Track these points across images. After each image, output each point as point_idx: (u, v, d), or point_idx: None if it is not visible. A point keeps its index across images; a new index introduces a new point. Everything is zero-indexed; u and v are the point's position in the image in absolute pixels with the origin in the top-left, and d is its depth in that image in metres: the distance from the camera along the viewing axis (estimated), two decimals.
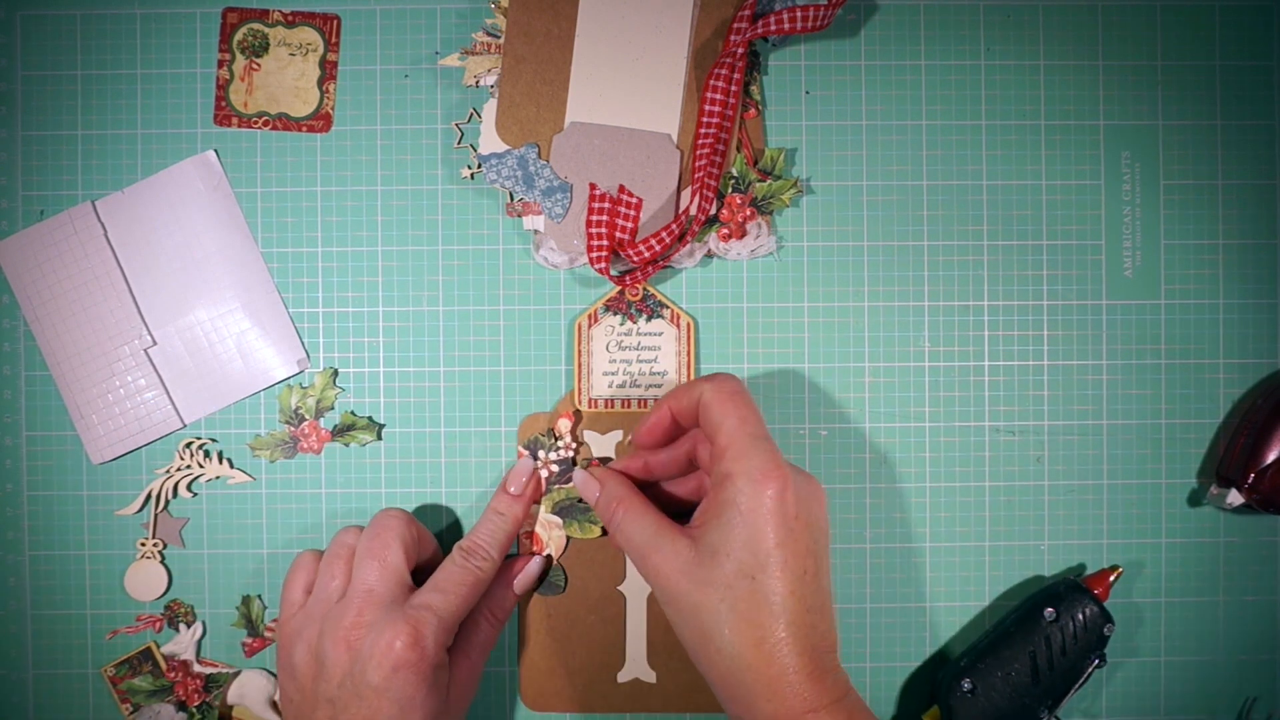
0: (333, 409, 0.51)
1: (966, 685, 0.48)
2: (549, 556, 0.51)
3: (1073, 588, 0.49)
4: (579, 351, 0.51)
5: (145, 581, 0.51)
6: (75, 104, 0.51)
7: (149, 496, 0.51)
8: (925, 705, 0.51)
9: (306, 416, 0.51)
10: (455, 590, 0.46)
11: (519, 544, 0.51)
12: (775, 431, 0.51)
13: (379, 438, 0.51)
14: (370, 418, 0.51)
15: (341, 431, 0.51)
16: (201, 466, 0.51)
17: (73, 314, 0.51)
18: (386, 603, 0.45)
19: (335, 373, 0.51)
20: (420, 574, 0.48)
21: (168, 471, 0.51)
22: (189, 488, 0.51)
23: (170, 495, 0.51)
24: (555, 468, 0.51)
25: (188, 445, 0.51)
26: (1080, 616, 0.48)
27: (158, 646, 0.51)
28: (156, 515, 0.51)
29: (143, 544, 0.51)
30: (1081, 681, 0.48)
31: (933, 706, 0.50)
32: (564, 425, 0.51)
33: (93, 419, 0.51)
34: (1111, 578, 0.50)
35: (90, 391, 0.51)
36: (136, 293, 0.51)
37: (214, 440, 0.51)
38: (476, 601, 0.47)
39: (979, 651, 0.49)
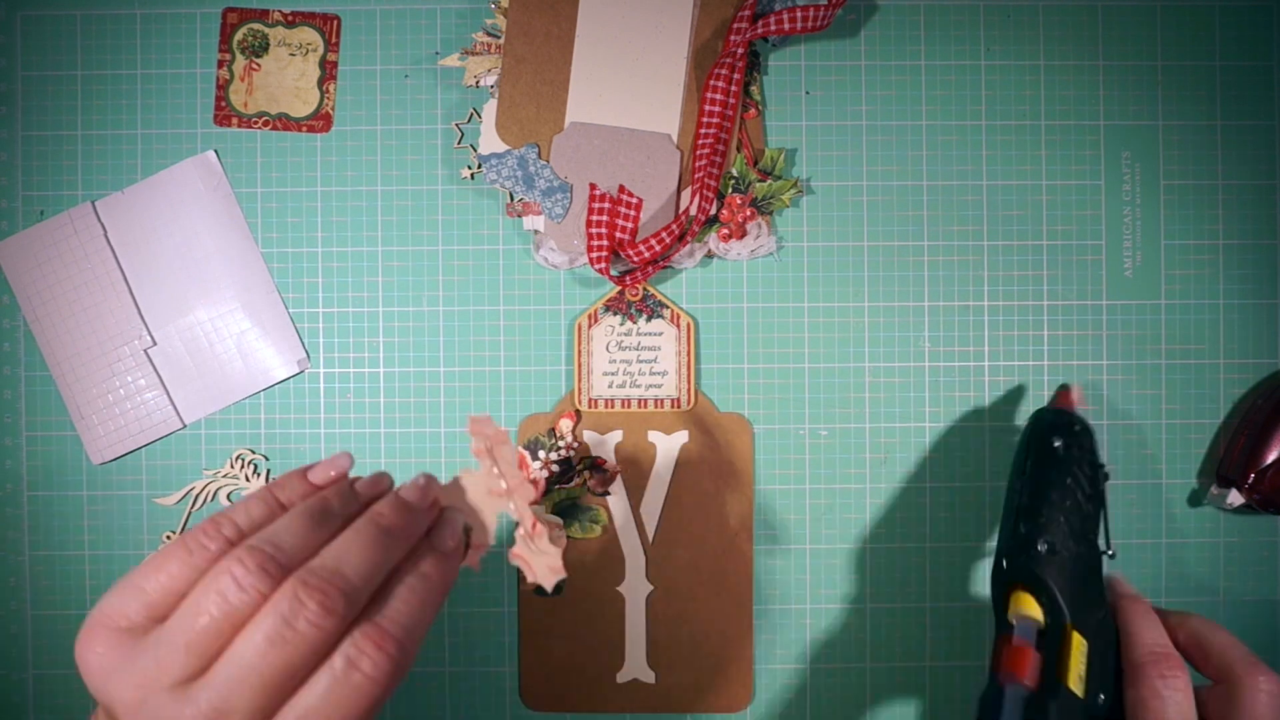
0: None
1: (1042, 546, 0.44)
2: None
3: (1057, 414, 0.47)
4: (579, 351, 0.51)
5: None
6: (75, 104, 0.51)
7: (189, 493, 0.51)
8: (1002, 603, 0.46)
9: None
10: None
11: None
12: (775, 431, 0.51)
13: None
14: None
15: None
16: (249, 480, 0.51)
17: (73, 314, 0.51)
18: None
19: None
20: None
21: (214, 476, 0.51)
22: (229, 497, 0.51)
23: (210, 498, 0.51)
24: (555, 468, 0.51)
25: (239, 457, 0.51)
26: (1075, 434, 0.46)
27: None
28: (190, 513, 0.51)
29: (168, 537, 0.51)
30: (1107, 500, 0.46)
31: (1015, 592, 0.45)
32: (564, 425, 0.51)
33: (93, 419, 0.51)
34: (1073, 392, 0.48)
35: (90, 391, 0.51)
36: (136, 293, 0.51)
37: (266, 458, 0.51)
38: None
39: (1027, 511, 0.45)
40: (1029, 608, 0.44)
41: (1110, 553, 0.45)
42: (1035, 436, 0.47)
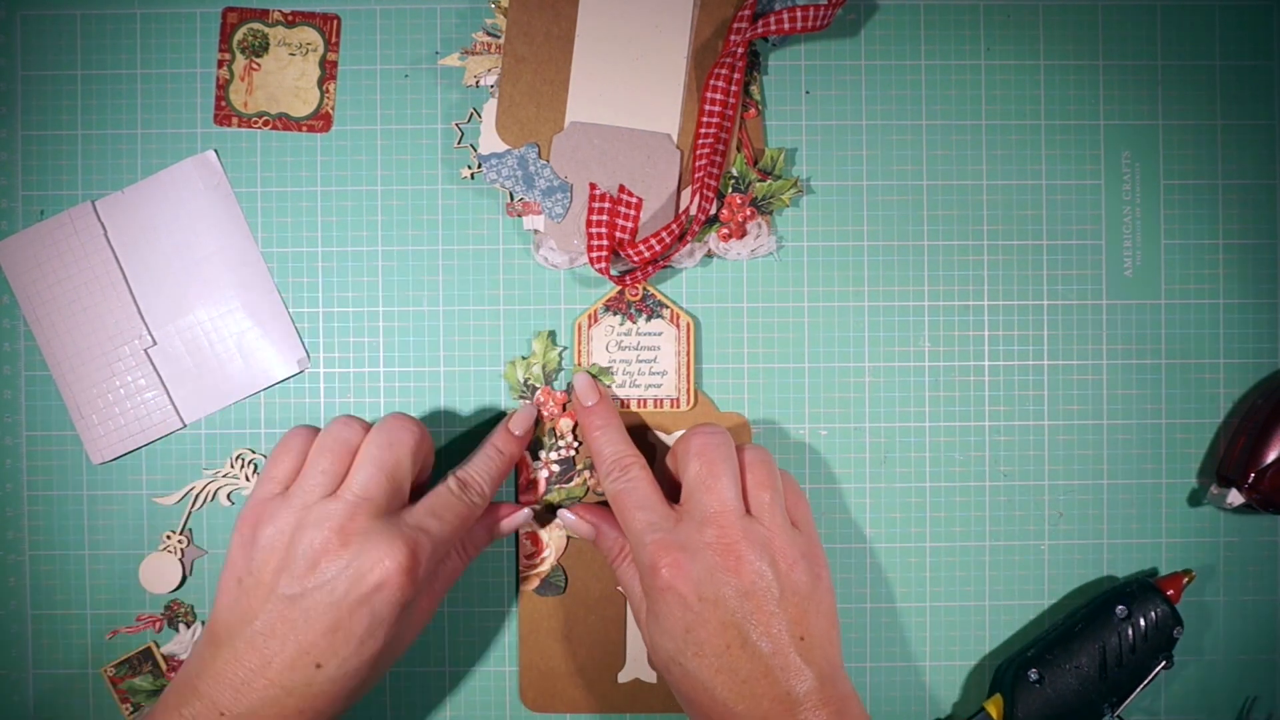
0: (560, 370, 0.51)
1: (1034, 675, 0.48)
2: (535, 510, 0.50)
3: (1145, 588, 0.49)
4: (579, 351, 0.51)
5: (160, 574, 0.51)
6: (75, 104, 0.51)
7: (189, 493, 0.51)
8: (986, 695, 0.51)
9: (538, 385, 0.50)
10: (450, 520, 0.44)
11: (519, 544, 0.51)
12: (775, 431, 0.51)
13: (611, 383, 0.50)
14: (597, 364, 0.50)
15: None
16: (248, 480, 0.51)
17: (73, 314, 0.51)
18: (382, 515, 0.43)
19: (551, 333, 0.51)
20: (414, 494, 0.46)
21: (214, 475, 0.51)
22: (229, 497, 0.51)
23: (210, 498, 0.51)
24: (555, 467, 0.51)
25: (239, 456, 0.51)
26: (1151, 616, 0.49)
27: (158, 646, 0.51)
28: (190, 512, 0.51)
29: (169, 536, 0.51)
30: (1147, 681, 0.49)
31: (995, 695, 0.50)
32: (564, 425, 0.51)
33: (93, 419, 0.51)
34: (1185, 580, 0.50)
35: (90, 391, 0.51)
36: (136, 293, 0.51)
37: (266, 458, 0.51)
38: (465, 530, 0.46)
39: (1048, 643, 0.49)
40: (994, 710, 0.50)
41: (1117, 718, 0.48)
42: (1116, 592, 0.50)
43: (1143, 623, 0.48)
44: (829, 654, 0.42)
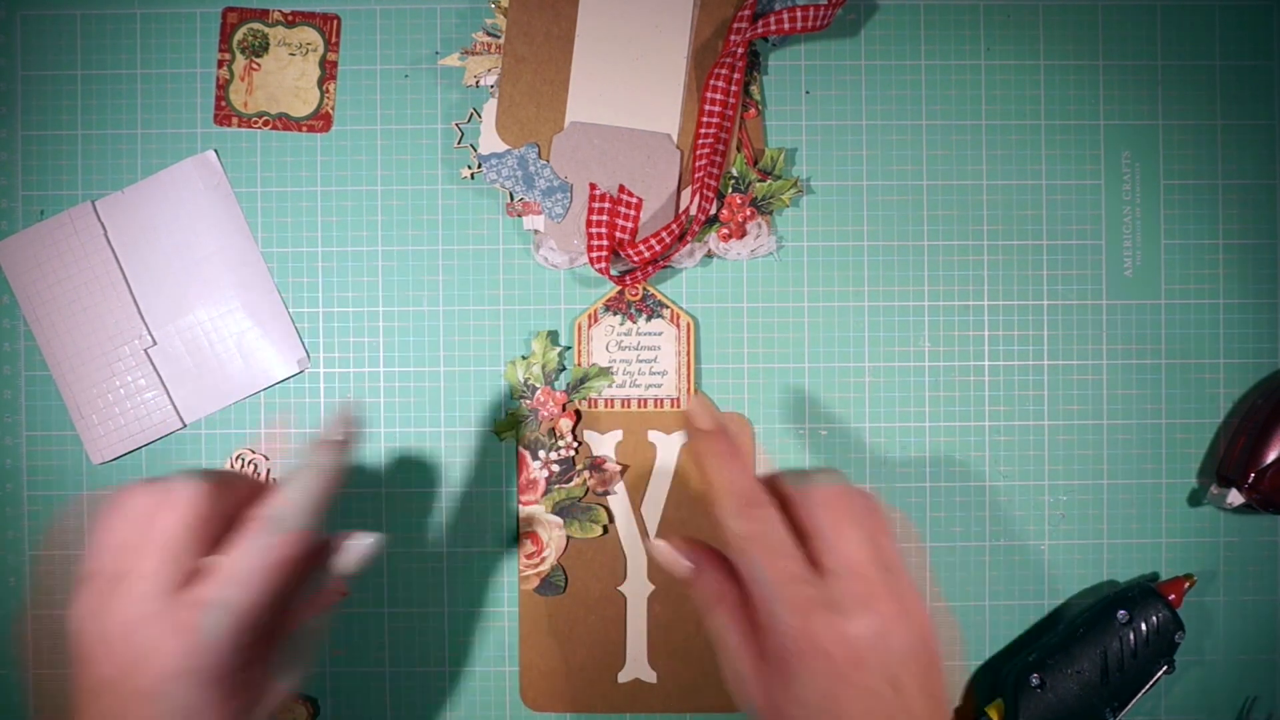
0: (561, 370, 0.51)
1: (1035, 680, 0.49)
2: (379, 537, 0.42)
3: (1147, 592, 0.49)
4: (579, 351, 0.51)
5: None
6: (75, 104, 0.51)
7: None
8: (987, 698, 0.52)
9: (538, 385, 0.51)
10: (249, 575, 0.36)
11: (519, 544, 0.51)
12: (775, 431, 0.51)
13: (611, 383, 0.50)
14: (597, 364, 0.51)
15: (576, 387, 0.51)
16: None
17: (73, 314, 0.51)
18: (161, 593, 0.36)
19: (552, 333, 0.51)
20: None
21: None
22: None
23: None
24: (555, 467, 0.51)
25: (239, 456, 0.51)
26: (1153, 620, 0.49)
27: None
28: None
29: None
30: (1149, 686, 0.49)
31: (996, 700, 0.50)
32: (564, 425, 0.51)
33: (93, 419, 0.51)
34: (1186, 585, 0.50)
35: (90, 391, 0.51)
36: (136, 293, 0.51)
37: (266, 458, 0.51)
38: (288, 580, 0.38)
39: (1049, 648, 0.49)
40: (995, 715, 0.50)
41: None
42: (1117, 597, 0.50)
43: (1144, 627, 0.49)
44: (945, 709, 0.38)
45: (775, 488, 0.40)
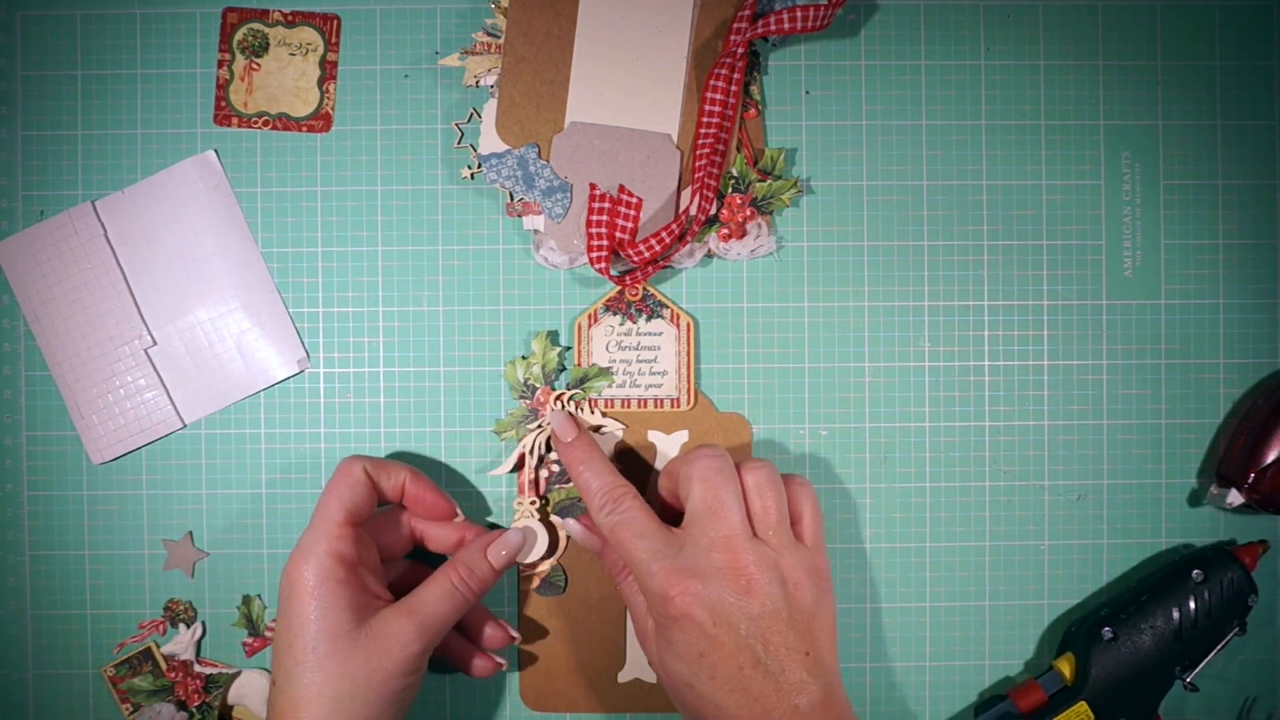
0: (561, 370, 0.51)
1: (1109, 633, 0.49)
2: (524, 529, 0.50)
3: (1223, 554, 0.49)
4: (579, 351, 0.51)
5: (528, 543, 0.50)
6: (75, 104, 0.51)
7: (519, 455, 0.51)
8: (1054, 653, 0.52)
9: (537, 385, 0.50)
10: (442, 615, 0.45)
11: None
12: (775, 431, 0.51)
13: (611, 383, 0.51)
14: (597, 364, 0.50)
15: (576, 387, 0.51)
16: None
17: (73, 314, 0.51)
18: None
19: (552, 333, 0.51)
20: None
21: (536, 431, 0.51)
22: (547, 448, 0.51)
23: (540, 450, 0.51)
24: (555, 467, 0.51)
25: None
26: (1228, 581, 0.49)
27: (158, 646, 0.51)
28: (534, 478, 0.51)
29: (519, 503, 0.51)
30: (1220, 648, 0.49)
31: (1065, 653, 0.50)
32: None
33: (93, 419, 0.51)
34: (1260, 550, 0.50)
35: (90, 391, 0.51)
36: (136, 293, 0.51)
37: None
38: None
39: (1123, 602, 0.50)
40: (1065, 668, 0.50)
41: (1188, 684, 0.49)
42: (1193, 556, 0.50)
43: (1220, 588, 0.49)
44: (831, 666, 0.43)
45: (669, 470, 0.47)
